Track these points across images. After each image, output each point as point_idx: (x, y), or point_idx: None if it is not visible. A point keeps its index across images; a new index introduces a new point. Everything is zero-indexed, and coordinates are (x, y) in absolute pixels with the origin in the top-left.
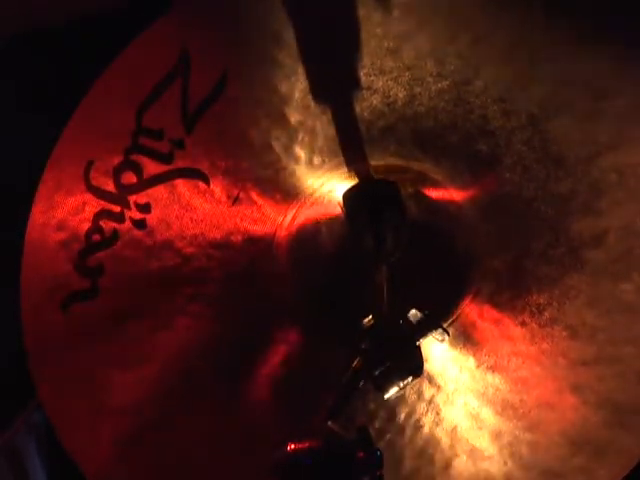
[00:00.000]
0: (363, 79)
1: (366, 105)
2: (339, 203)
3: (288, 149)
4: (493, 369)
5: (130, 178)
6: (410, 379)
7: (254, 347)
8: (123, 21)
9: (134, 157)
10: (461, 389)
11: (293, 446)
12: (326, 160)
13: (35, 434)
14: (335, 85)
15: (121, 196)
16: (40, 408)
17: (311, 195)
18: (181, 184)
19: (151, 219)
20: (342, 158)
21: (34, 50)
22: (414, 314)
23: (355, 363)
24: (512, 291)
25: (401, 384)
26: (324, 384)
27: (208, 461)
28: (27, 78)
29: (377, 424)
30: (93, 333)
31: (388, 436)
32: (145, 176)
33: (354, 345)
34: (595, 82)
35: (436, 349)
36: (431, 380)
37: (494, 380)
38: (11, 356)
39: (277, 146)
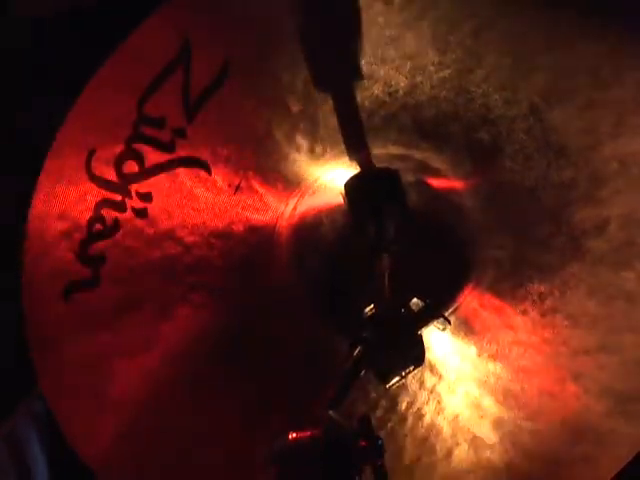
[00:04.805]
0: (365, 68)
1: (367, 94)
2: (340, 192)
3: (290, 138)
4: (494, 358)
5: (131, 167)
6: (412, 368)
7: (255, 336)
8: (124, 9)
9: (136, 146)
10: (462, 378)
11: (294, 435)
12: (328, 149)
13: (36, 423)
14: (337, 74)
15: (122, 185)
16: (41, 397)
17: (313, 184)
18: (182, 173)
19: (152, 208)
20: (344, 147)
21: (34, 37)
22: (415, 303)
23: (356, 352)
24: (513, 280)
25: (402, 373)
26: (325, 373)
27: (209, 451)
28: (27, 64)
29: (378, 413)
30: (94, 322)
31: (389, 425)
32: (146, 165)
33: (355, 334)
34: (596, 71)
35: (437, 338)
36: (432, 369)
37: (495, 369)
38: (12, 345)
39: (279, 135)
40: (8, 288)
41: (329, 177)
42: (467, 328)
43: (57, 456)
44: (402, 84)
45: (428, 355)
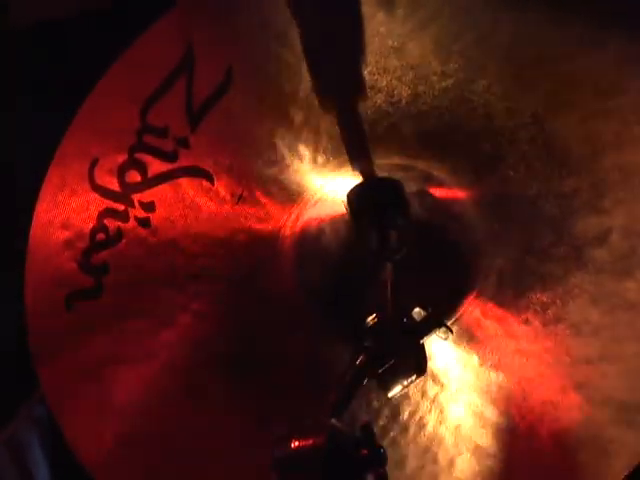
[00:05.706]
0: (367, 78)
1: (370, 104)
2: (343, 202)
3: (292, 148)
4: (496, 367)
5: (134, 177)
6: (414, 377)
7: (257, 345)
8: (126, 15)
9: (138, 155)
10: (464, 387)
11: (296, 443)
12: (330, 159)
13: (38, 428)
14: (339, 84)
15: (125, 195)
16: (42, 401)
17: (315, 194)
18: (185, 183)
19: (155, 218)
20: (346, 157)
21: (35, 45)
22: (418, 312)
23: (359, 361)
24: (515, 289)
25: (405, 382)
26: (327, 382)
27: (210, 458)
28: (29, 74)
29: (381, 422)
30: (97, 331)
31: (392, 434)
32: (149, 175)
33: (358, 343)
34: (599, 81)
35: (440, 347)
36: (434, 378)
37: (497, 378)
38: (13, 348)
39: (281, 145)
40: (9, 291)
41: (332, 187)
42: (469, 337)
43: (58, 461)
44: (405, 94)
45: (430, 364)
